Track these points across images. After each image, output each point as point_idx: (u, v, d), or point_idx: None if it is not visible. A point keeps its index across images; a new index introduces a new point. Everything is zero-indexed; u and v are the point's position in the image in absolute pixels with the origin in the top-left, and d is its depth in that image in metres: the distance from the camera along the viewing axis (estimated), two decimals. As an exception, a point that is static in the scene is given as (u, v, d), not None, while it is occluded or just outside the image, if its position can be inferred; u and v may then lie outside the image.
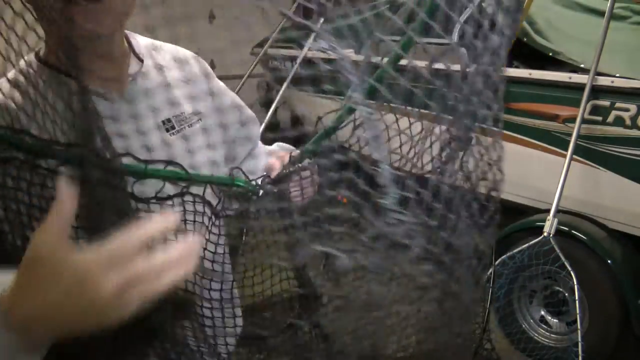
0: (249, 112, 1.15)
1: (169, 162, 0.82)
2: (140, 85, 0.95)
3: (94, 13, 0.81)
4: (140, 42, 1.00)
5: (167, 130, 0.96)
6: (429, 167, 0.84)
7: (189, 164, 0.93)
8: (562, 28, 3.01)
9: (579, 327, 2.21)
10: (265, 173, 0.97)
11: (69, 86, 0.75)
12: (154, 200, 0.79)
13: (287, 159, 0.98)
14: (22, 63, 0.81)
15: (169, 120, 0.97)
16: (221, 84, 1.12)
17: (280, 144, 1.19)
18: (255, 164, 1.11)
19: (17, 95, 0.80)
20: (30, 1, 0.77)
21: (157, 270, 0.53)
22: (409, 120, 0.81)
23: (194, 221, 0.85)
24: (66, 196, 0.54)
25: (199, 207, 0.86)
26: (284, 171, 0.94)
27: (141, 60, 0.97)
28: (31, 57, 0.87)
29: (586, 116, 2.51)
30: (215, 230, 0.90)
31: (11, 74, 0.83)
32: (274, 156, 1.05)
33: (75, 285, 0.52)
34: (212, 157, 1.03)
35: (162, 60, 1.01)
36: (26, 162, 0.67)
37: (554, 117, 2.68)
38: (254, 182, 0.94)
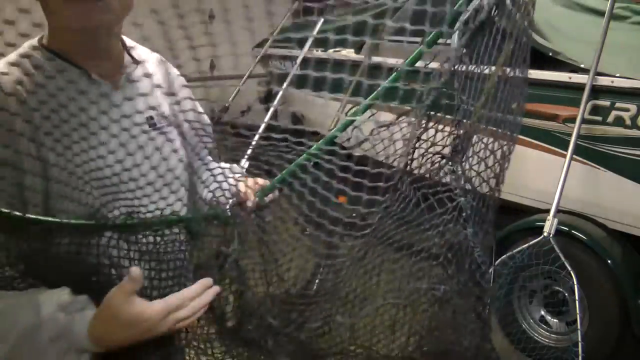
0: (207, 118, 1.22)
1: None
2: (132, 83, 1.03)
3: (94, 9, 0.88)
4: (127, 41, 1.08)
5: (151, 127, 1.03)
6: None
7: (168, 164, 1.02)
8: (562, 28, 3.01)
9: (579, 327, 2.21)
10: (234, 198, 1.09)
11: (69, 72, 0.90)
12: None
13: (252, 184, 1.12)
14: (26, 46, 0.91)
15: (151, 117, 1.04)
16: (186, 88, 1.18)
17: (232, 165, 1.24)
18: (207, 175, 1.17)
19: (25, 80, 0.88)
20: None
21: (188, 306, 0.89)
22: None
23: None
24: (135, 269, 0.84)
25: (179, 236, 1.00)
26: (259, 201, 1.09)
27: (134, 60, 1.05)
28: (34, 41, 0.94)
29: (586, 116, 2.51)
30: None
31: (13, 56, 0.91)
32: (231, 175, 1.14)
33: (142, 327, 0.84)
34: (184, 158, 1.10)
35: (151, 64, 1.10)
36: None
37: (554, 117, 2.68)
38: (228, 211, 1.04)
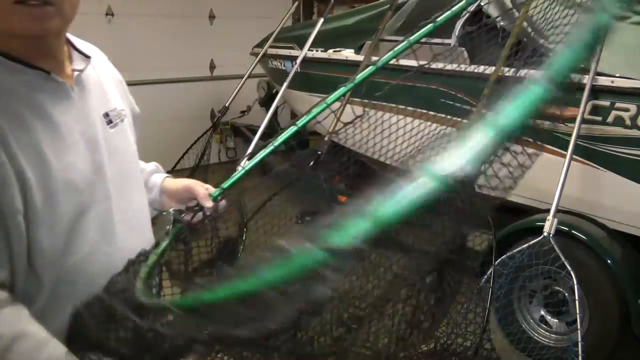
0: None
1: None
2: (85, 80, 1.00)
3: (44, 14, 0.86)
4: (69, 36, 1.05)
5: (108, 124, 1.02)
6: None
7: (122, 160, 1.03)
8: (562, 28, 3.01)
9: (579, 327, 2.21)
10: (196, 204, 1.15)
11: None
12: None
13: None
14: None
15: (107, 114, 1.03)
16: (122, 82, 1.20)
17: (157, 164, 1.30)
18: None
19: None
20: None
21: None
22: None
23: None
24: None
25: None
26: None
27: (87, 57, 1.03)
28: None
29: (586, 116, 2.51)
30: None
31: None
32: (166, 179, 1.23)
33: None
34: (135, 152, 1.13)
35: (95, 59, 1.08)
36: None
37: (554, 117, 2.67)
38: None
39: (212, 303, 0.61)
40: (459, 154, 0.49)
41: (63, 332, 0.90)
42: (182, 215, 1.13)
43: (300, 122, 1.28)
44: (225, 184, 1.23)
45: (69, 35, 1.02)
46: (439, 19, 1.20)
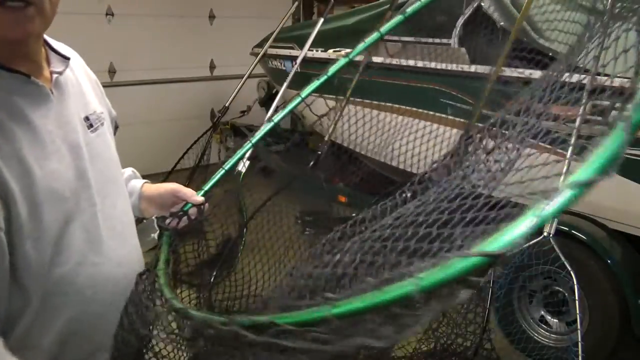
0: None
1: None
2: (64, 83, 0.97)
3: (25, 17, 0.82)
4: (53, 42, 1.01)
5: (88, 128, 0.99)
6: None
7: (104, 165, 1.00)
8: (562, 28, 3.01)
9: (579, 327, 2.21)
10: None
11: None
12: None
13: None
14: None
15: (87, 118, 0.99)
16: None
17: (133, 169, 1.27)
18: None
19: None
20: None
21: None
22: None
23: None
24: None
25: None
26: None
27: (67, 58, 0.99)
28: None
29: (586, 116, 2.51)
30: None
31: None
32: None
33: None
34: (117, 156, 1.09)
35: (72, 60, 1.03)
36: None
37: (554, 117, 2.67)
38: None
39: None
40: None
41: (54, 344, 0.88)
42: (167, 222, 1.12)
43: (277, 118, 1.30)
44: (206, 186, 1.23)
45: (46, 37, 0.98)
46: (408, 9, 1.26)
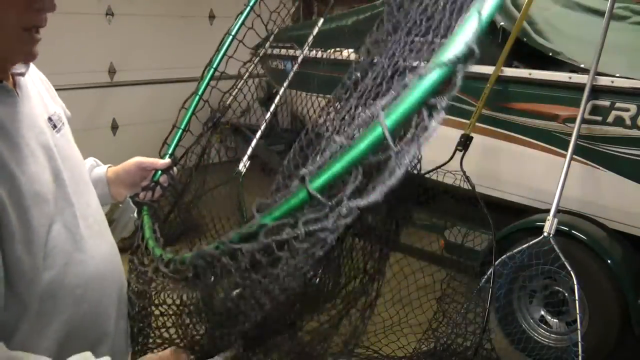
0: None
1: None
2: (24, 84, 0.96)
3: (38, 41, 0.87)
4: None
5: (53, 129, 0.98)
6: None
7: (73, 164, 0.99)
8: (562, 28, 3.01)
9: (579, 327, 2.21)
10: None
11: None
12: None
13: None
14: None
15: (50, 119, 0.99)
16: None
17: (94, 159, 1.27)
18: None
19: None
20: None
21: None
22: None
23: None
24: None
25: None
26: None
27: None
28: None
29: (586, 116, 2.51)
30: None
31: None
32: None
33: None
34: (81, 156, 1.09)
35: None
36: None
37: (554, 117, 2.68)
38: None
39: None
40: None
41: (52, 347, 0.89)
42: (142, 196, 1.15)
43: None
44: (170, 149, 1.28)
45: None
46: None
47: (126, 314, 1.05)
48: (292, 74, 3.98)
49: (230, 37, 1.36)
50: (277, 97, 4.12)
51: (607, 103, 2.49)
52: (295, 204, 0.58)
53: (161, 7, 5.45)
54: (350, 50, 3.77)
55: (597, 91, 2.50)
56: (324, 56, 3.92)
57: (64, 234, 0.91)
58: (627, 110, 2.44)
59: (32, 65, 1.02)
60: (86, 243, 0.95)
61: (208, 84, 1.39)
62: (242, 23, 1.43)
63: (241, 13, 1.47)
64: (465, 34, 0.45)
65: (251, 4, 1.48)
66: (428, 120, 0.48)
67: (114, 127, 5.27)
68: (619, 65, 2.55)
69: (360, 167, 0.51)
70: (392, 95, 0.51)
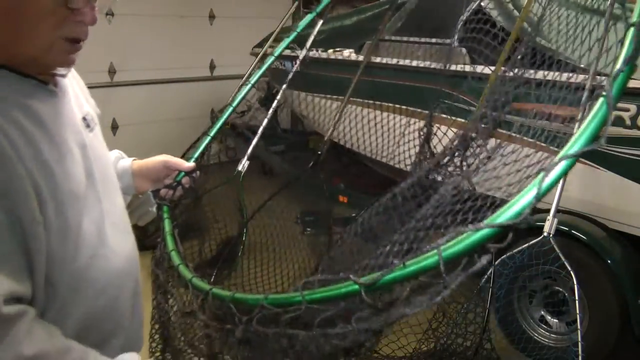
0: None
1: None
2: (64, 85, 1.01)
3: (77, 50, 0.92)
4: None
5: (86, 128, 1.03)
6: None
7: (103, 163, 1.05)
8: (562, 28, 3.01)
9: (579, 327, 2.21)
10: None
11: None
12: None
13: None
14: None
15: (84, 118, 1.04)
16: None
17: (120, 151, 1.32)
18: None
19: None
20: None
21: None
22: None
23: None
24: None
25: None
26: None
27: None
28: None
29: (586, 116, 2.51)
30: None
31: None
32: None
33: None
34: (110, 156, 1.16)
35: None
36: None
37: (554, 117, 2.67)
38: None
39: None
40: None
41: (70, 337, 0.91)
42: (163, 193, 1.20)
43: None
44: (195, 153, 1.36)
45: None
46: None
47: (140, 309, 1.11)
48: (292, 74, 3.98)
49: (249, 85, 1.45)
50: (277, 97, 4.12)
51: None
52: (341, 295, 0.70)
53: (161, 7, 5.45)
54: (351, 50, 3.77)
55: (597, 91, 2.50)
56: (325, 56, 3.92)
57: (92, 229, 0.96)
58: (627, 110, 2.44)
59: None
60: (110, 239, 1.00)
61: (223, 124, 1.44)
62: (263, 73, 1.50)
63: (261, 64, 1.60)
64: (520, 202, 0.59)
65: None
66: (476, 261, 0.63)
67: (114, 127, 5.28)
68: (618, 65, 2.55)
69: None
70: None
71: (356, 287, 0.66)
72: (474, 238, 0.60)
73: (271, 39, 4.51)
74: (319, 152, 2.72)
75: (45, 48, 0.88)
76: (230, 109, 1.41)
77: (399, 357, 2.05)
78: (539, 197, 0.57)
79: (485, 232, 0.59)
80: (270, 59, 1.40)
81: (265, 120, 4.10)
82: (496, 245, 0.60)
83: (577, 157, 0.58)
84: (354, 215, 3.05)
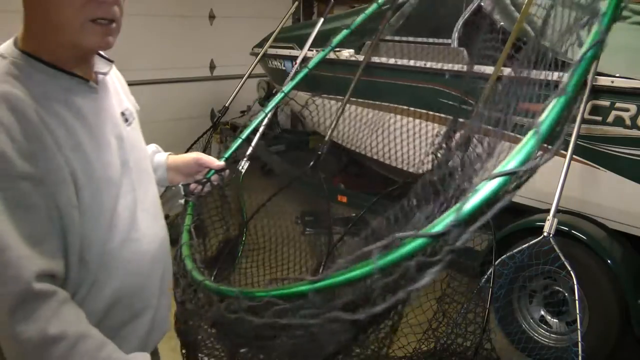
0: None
1: None
2: (106, 82, 1.09)
3: (109, 31, 0.97)
4: None
5: (125, 122, 1.11)
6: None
7: (139, 155, 1.13)
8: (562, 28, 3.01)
9: (578, 327, 2.21)
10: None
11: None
12: None
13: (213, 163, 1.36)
14: (7, 54, 0.95)
15: (123, 113, 1.12)
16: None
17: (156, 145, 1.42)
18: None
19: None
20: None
21: None
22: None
23: None
24: None
25: None
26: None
27: (111, 61, 1.11)
28: (13, 49, 0.97)
29: (586, 116, 2.51)
30: None
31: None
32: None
33: None
34: (146, 149, 1.24)
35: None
36: None
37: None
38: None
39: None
40: None
41: (100, 312, 1.01)
42: (192, 188, 1.31)
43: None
44: (227, 153, 1.44)
45: None
46: (352, 24, 1.60)
47: (167, 291, 1.18)
48: (291, 73, 3.98)
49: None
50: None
51: (607, 103, 2.50)
52: (294, 294, 0.76)
53: (161, 7, 5.44)
54: (351, 50, 3.76)
55: (597, 91, 2.50)
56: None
57: (125, 214, 1.04)
58: (627, 110, 2.44)
59: (113, 66, 1.16)
60: (140, 224, 1.08)
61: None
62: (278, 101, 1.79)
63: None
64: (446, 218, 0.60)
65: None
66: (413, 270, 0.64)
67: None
68: (618, 65, 2.55)
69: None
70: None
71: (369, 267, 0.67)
72: (409, 247, 0.62)
73: (271, 39, 4.52)
74: (319, 152, 2.72)
75: (76, 31, 0.93)
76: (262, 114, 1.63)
77: (399, 357, 2.05)
78: (463, 216, 0.58)
79: (417, 241, 0.61)
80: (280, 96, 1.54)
81: (266, 120, 4.10)
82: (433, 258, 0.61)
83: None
84: (354, 215, 3.05)
